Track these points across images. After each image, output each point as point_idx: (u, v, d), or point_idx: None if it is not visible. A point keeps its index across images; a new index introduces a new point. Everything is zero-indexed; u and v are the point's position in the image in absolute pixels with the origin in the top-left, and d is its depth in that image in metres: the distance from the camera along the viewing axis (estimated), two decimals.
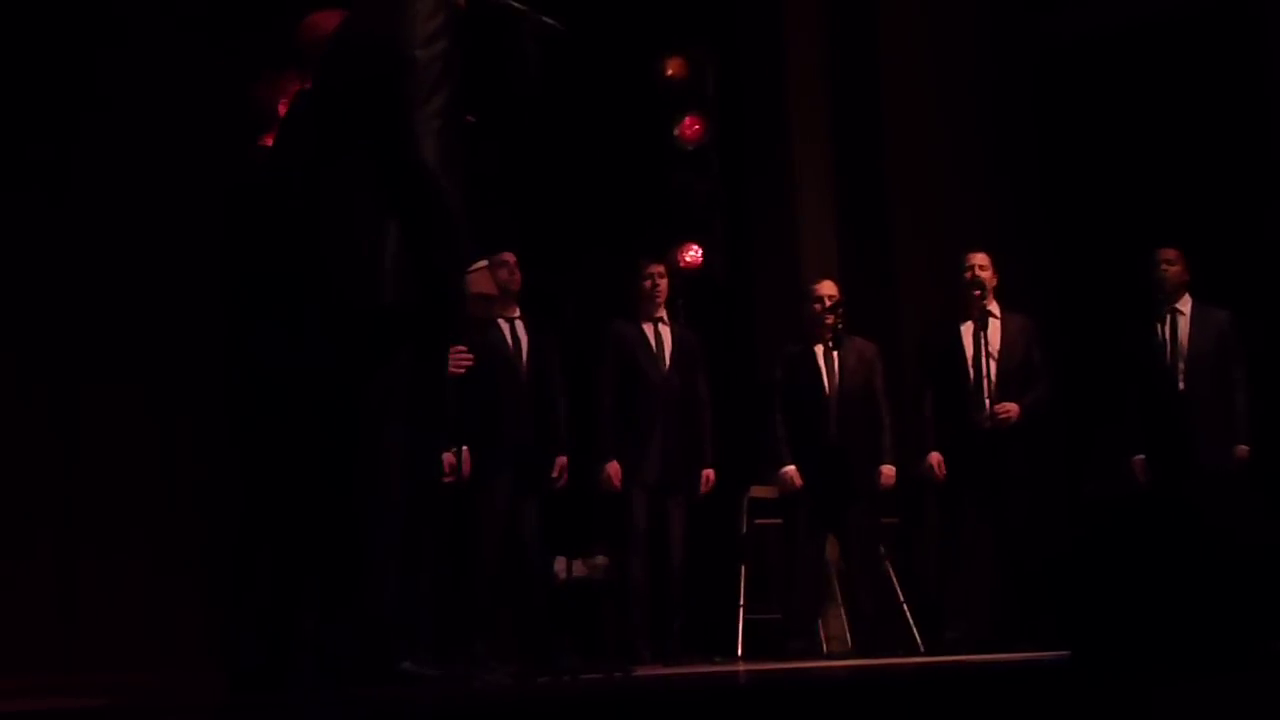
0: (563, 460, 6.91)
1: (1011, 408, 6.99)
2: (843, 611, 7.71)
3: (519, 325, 6.85)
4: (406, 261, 3.79)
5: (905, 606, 7.38)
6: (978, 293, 7.14)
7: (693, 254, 8.70)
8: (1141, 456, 7.09)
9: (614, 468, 7.10)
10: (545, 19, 4.20)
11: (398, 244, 3.80)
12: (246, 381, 4.64)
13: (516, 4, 4.16)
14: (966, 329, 7.15)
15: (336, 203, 3.91)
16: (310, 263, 4.00)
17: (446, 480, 6.27)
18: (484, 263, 3.88)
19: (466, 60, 3.96)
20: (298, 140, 4.40)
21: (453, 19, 3.92)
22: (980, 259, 7.20)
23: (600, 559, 7.84)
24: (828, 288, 7.36)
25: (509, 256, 6.83)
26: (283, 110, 4.96)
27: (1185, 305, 7.17)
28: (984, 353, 7.08)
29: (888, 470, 7.21)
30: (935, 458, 7.11)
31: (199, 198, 6.11)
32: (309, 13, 4.57)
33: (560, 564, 6.89)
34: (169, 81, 7.35)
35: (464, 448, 6.59)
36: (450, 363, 5.66)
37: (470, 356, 6.11)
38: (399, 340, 3.87)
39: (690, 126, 8.85)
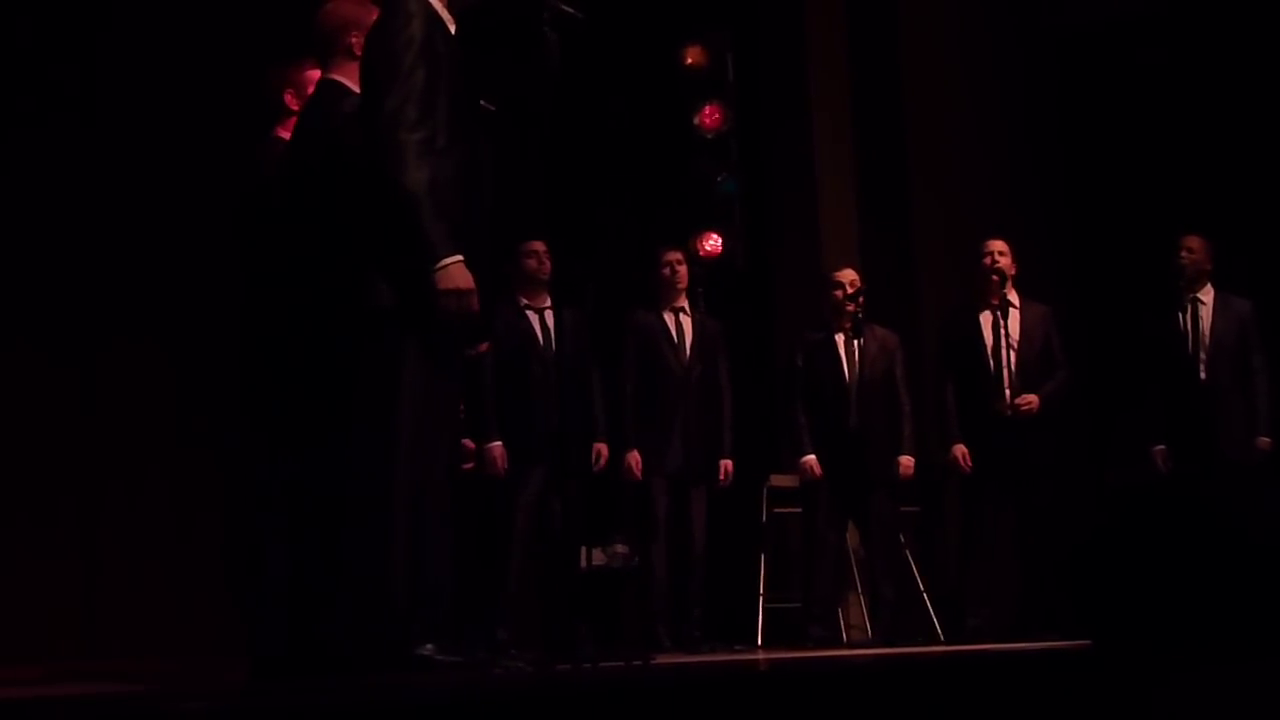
0: (600, 447, 6.94)
1: (1031, 399, 6.98)
2: (863, 600, 7.70)
3: (547, 315, 6.82)
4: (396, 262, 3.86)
5: (925, 595, 7.37)
6: (996, 278, 7.12)
7: (712, 243, 8.69)
8: (1162, 446, 7.08)
9: (634, 457, 7.09)
10: (565, 7, 4.20)
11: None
12: (261, 371, 4.66)
13: None
14: (985, 318, 7.13)
15: (344, 205, 3.97)
16: (319, 263, 4.07)
17: (466, 468, 6.29)
18: (457, 257, 3.85)
19: (488, 49, 3.99)
20: (317, 133, 4.41)
21: (422, 9, 3.99)
22: (999, 246, 7.17)
23: (620, 548, 7.85)
24: (848, 275, 7.35)
25: (539, 245, 6.81)
26: (289, 100, 4.97)
27: (1207, 295, 7.15)
28: (1003, 342, 7.06)
29: (906, 461, 7.19)
30: (960, 449, 7.09)
31: (214, 186, 6.12)
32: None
33: (580, 553, 6.89)
34: (183, 69, 7.37)
35: (499, 442, 6.59)
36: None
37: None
38: (399, 339, 3.89)
39: (710, 115, 8.83)
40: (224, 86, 6.97)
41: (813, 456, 7.20)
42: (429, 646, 3.87)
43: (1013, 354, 7.06)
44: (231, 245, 4.95)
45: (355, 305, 3.96)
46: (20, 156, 7.13)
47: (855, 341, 7.22)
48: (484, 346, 5.99)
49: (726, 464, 7.23)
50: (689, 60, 8.90)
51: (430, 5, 4.02)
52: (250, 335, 4.75)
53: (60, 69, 7.25)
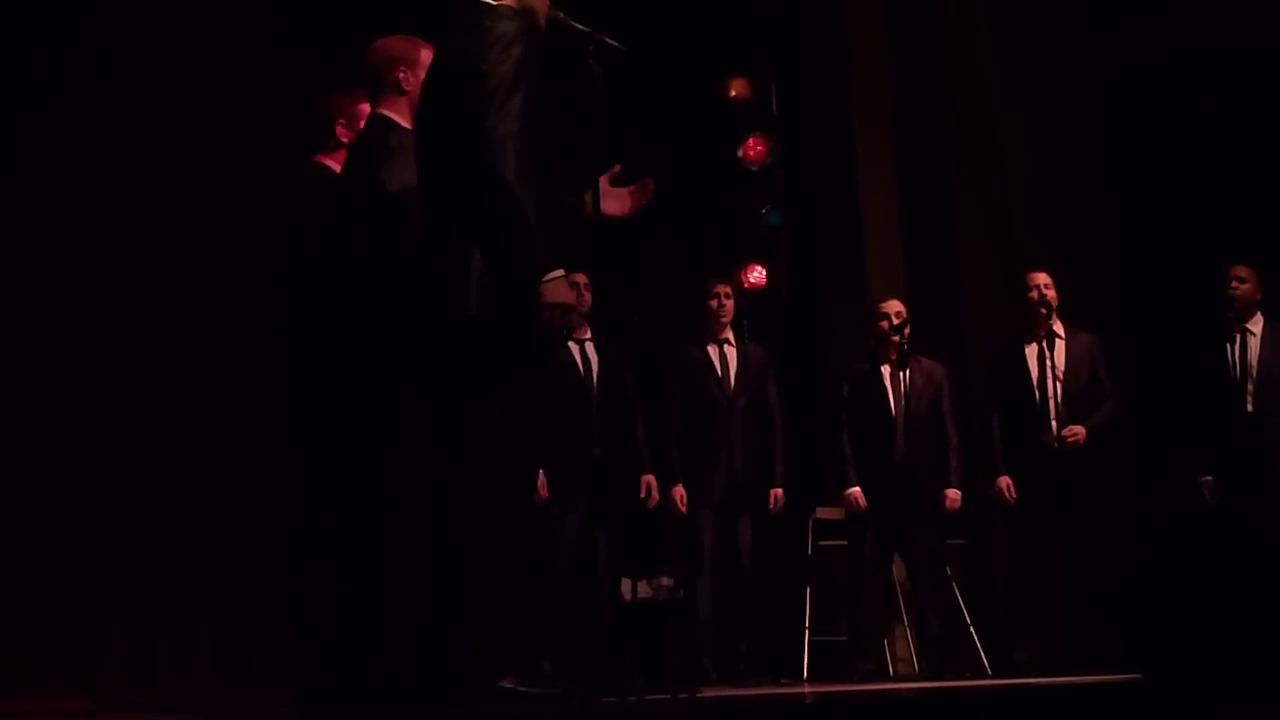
0: (649, 479, 6.95)
1: (1079, 431, 6.94)
2: (909, 633, 7.66)
3: (589, 347, 6.84)
4: (488, 272, 3.87)
5: (972, 628, 7.32)
6: (1044, 311, 7.09)
7: (757, 274, 8.68)
8: (1210, 477, 7.02)
9: (680, 491, 7.10)
10: (609, 41, 4.22)
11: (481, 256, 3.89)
12: (310, 399, 4.67)
13: (581, 26, 4.19)
14: (1031, 350, 7.10)
15: (423, 219, 4.00)
16: (391, 279, 4.09)
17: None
18: (560, 271, 3.89)
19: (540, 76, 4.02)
20: (368, 164, 4.45)
21: (526, 29, 4.03)
22: (1044, 279, 7.15)
23: (665, 580, 7.83)
24: (894, 306, 7.33)
25: (580, 277, 6.84)
26: (340, 131, 5.01)
27: (1257, 325, 7.09)
28: (1050, 374, 7.02)
29: (953, 494, 7.15)
30: (1005, 481, 7.05)
31: (261, 206, 6.19)
32: (381, 34, 4.62)
33: (625, 585, 6.87)
34: (231, 90, 7.47)
35: (539, 471, 6.61)
36: None
37: None
38: (484, 350, 3.91)
39: (754, 147, 8.83)
40: (276, 107, 7.07)
41: (858, 489, 7.17)
42: (510, 679, 3.87)
43: (1059, 385, 7.02)
44: (280, 271, 4.97)
45: (433, 320, 3.98)
46: (75, 175, 7.24)
47: (901, 373, 7.19)
48: None
49: (777, 492, 7.22)
50: (733, 93, 8.91)
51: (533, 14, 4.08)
52: (299, 366, 4.76)
53: (115, 96, 7.37)
